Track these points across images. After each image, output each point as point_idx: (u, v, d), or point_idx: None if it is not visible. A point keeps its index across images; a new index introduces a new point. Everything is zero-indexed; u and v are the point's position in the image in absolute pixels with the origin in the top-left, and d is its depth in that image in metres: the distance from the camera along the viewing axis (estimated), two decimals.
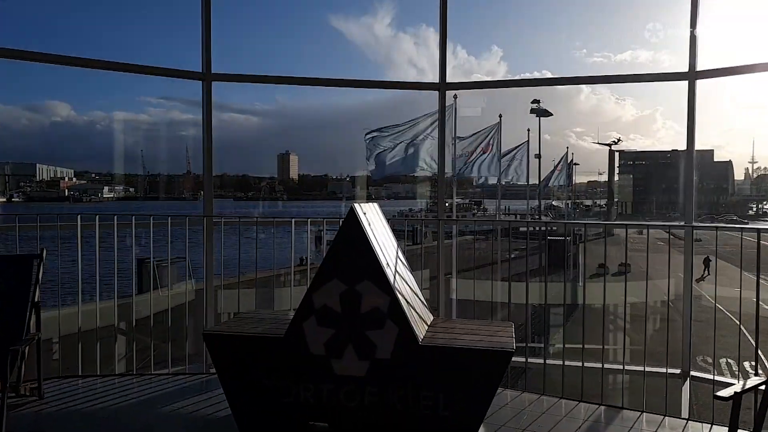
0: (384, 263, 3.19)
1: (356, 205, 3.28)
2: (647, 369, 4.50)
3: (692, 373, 4.87)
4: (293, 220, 4.81)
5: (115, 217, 4.54)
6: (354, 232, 3.19)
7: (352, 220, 3.21)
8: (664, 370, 4.77)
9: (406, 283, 3.48)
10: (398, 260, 3.56)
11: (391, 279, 3.17)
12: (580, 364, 4.31)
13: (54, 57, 4.42)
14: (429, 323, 3.54)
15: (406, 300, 3.24)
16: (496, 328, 3.49)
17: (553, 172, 22.82)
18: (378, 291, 3.13)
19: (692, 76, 4.49)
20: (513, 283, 4.84)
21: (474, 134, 13.80)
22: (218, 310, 5.04)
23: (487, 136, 14.68)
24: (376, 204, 3.77)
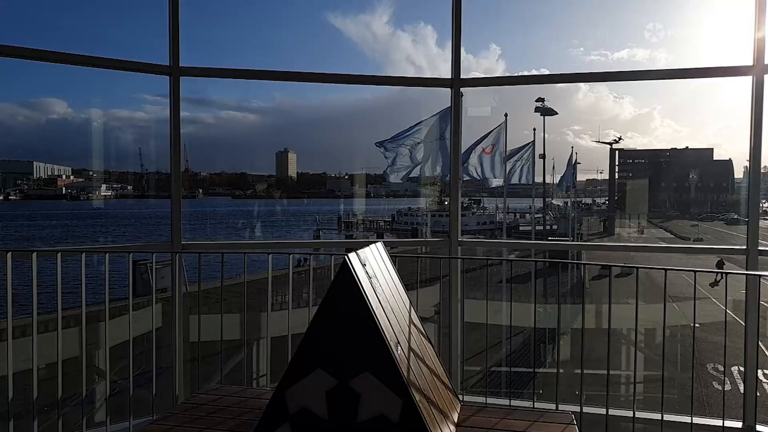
0: (392, 343, 2.15)
1: (352, 255, 2.23)
2: (683, 420, 3.82)
3: (760, 428, 3.99)
4: (269, 255, 3.73)
5: (59, 254, 3.51)
6: (349, 298, 2.14)
7: (347, 279, 2.16)
8: (719, 423, 3.95)
9: (424, 364, 2.43)
10: (411, 327, 2.52)
11: (404, 369, 2.12)
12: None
13: (15, 49, 3.76)
14: (456, 420, 2.49)
15: (426, 398, 2.19)
16: (553, 429, 2.45)
17: (564, 174, 21.97)
18: (384, 389, 2.08)
19: (759, 70, 4.10)
20: (515, 304, 4.26)
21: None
22: (190, 338, 4.40)
23: (490, 136, 13.90)
24: (379, 244, 2.73)
